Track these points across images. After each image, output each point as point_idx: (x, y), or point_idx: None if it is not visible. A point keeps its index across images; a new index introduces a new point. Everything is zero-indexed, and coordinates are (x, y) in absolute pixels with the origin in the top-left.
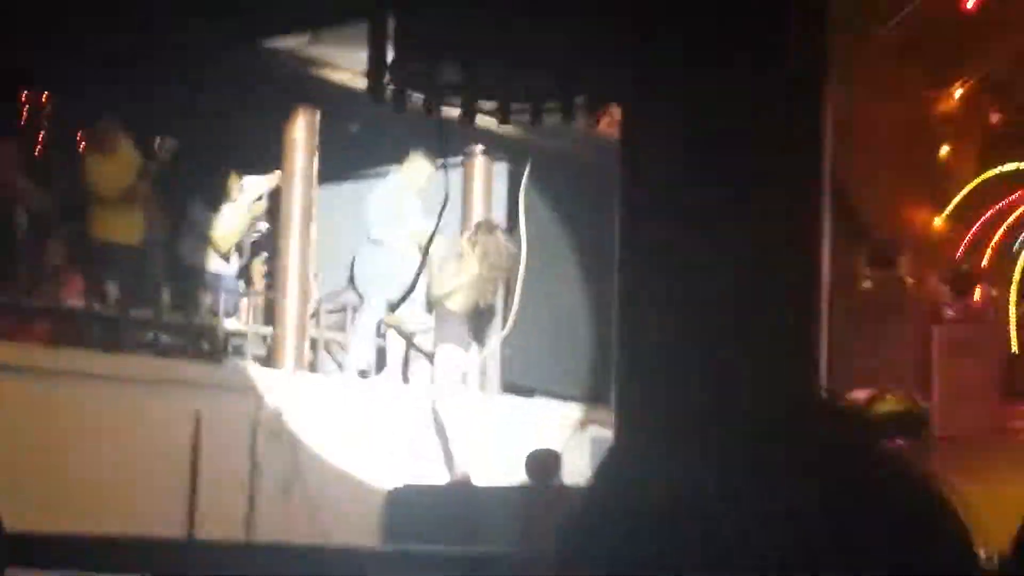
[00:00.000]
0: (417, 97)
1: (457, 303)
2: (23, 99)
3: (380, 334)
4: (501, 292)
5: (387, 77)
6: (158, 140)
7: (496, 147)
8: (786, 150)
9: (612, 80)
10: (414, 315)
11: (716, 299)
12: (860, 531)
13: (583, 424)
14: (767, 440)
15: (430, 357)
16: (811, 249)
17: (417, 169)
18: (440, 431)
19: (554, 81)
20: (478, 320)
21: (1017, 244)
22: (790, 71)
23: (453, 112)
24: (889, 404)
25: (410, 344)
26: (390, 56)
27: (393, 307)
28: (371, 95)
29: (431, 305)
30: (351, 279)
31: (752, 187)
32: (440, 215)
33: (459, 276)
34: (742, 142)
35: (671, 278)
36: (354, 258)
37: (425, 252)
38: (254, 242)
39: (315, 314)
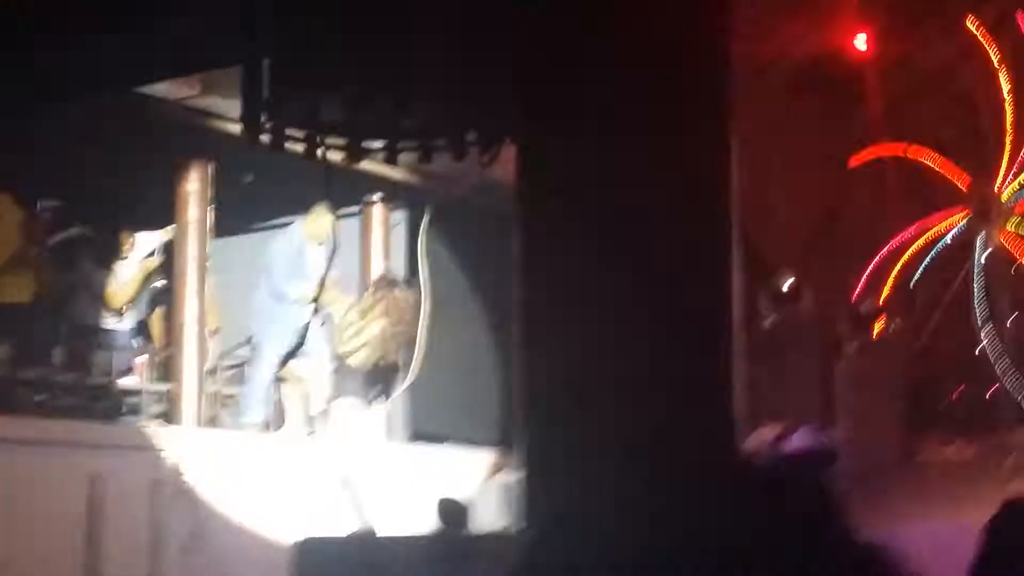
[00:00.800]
0: (298, 138)
1: (358, 359)
2: None
3: (276, 388)
4: (405, 342)
5: (264, 118)
6: (39, 202)
7: (394, 195)
8: (691, 184)
9: (504, 115)
10: (312, 368)
11: (622, 339)
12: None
13: (493, 470)
14: (682, 490)
15: (327, 411)
16: (720, 285)
17: (320, 220)
18: (343, 483)
19: (443, 117)
20: (380, 374)
21: (915, 277)
22: (693, 103)
23: (337, 156)
24: (797, 440)
25: (308, 398)
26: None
27: (283, 361)
28: (248, 137)
29: (334, 360)
30: (250, 333)
31: (657, 223)
32: (328, 264)
33: (361, 335)
34: (645, 177)
35: (572, 320)
36: (254, 312)
37: (314, 303)
38: (152, 298)
39: (213, 370)
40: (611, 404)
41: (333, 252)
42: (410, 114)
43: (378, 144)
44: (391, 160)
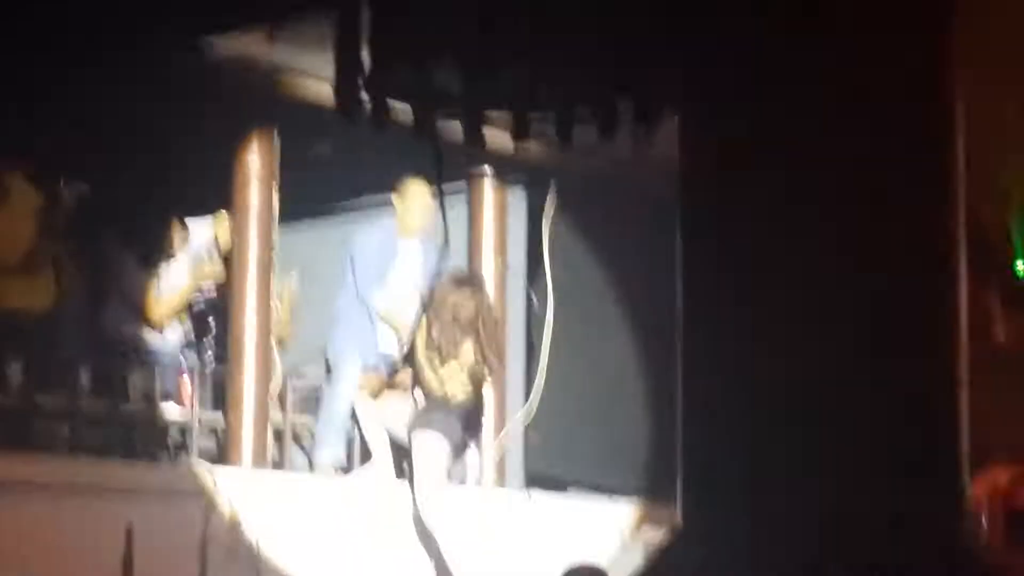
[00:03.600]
0: (404, 110)
1: (452, 390)
2: None
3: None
4: (519, 359)
5: (362, 86)
6: (63, 183)
7: (510, 167)
8: (904, 158)
9: (667, 81)
10: (399, 395)
11: (818, 364)
12: None
13: (635, 526)
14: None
15: (419, 448)
16: (942, 286)
17: (413, 203)
18: (432, 539)
19: (590, 82)
20: (475, 404)
21: None
22: (902, 61)
23: (455, 130)
24: None
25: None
26: (367, 59)
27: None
28: (342, 110)
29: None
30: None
31: (859, 213)
32: (438, 263)
33: (447, 363)
34: (844, 155)
35: (753, 337)
36: (332, 320)
37: (421, 312)
38: (202, 305)
39: (279, 395)
40: (803, 451)
41: (444, 247)
42: (547, 78)
43: (505, 115)
44: (521, 134)
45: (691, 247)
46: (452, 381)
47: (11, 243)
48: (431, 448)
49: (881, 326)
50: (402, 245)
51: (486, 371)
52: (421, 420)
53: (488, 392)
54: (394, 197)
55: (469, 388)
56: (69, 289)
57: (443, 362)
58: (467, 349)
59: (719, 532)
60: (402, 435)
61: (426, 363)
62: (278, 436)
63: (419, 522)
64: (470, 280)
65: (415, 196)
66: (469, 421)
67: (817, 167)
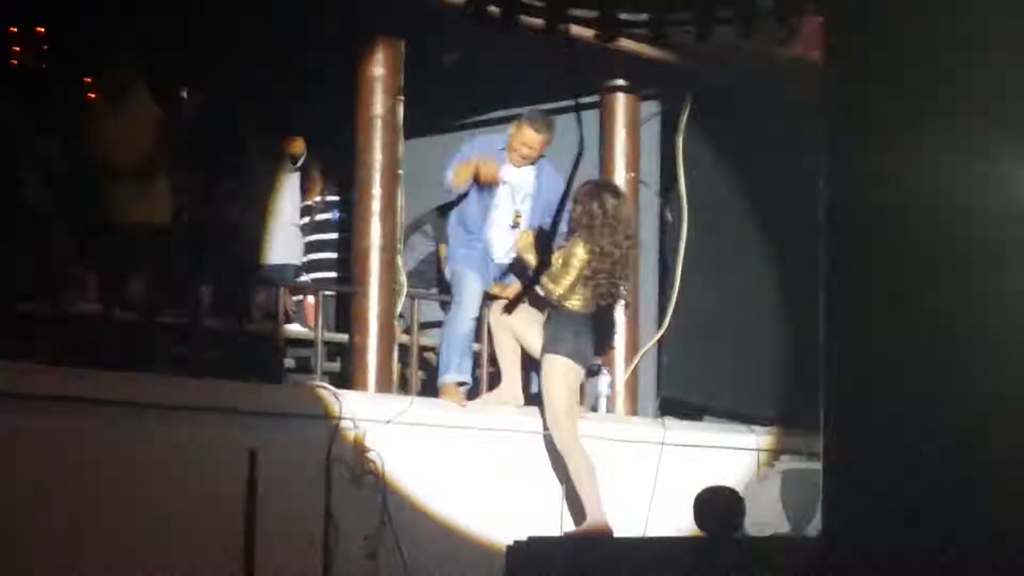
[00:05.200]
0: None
1: (576, 303)
2: (14, 37)
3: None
4: (652, 277)
5: None
6: (185, 92)
7: (644, 79)
8: None
9: None
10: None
11: (976, 289)
12: None
13: (771, 455)
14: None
15: (546, 371)
16: None
17: (519, 137)
18: (568, 468)
19: None
20: (606, 320)
21: None
22: None
23: (585, 32)
24: None
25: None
26: None
27: (508, 305)
28: (471, 13)
29: (541, 299)
30: (448, 261)
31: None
32: (573, 173)
33: (570, 266)
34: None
35: (904, 257)
36: (452, 236)
37: (554, 225)
38: (328, 219)
39: (403, 315)
40: (951, 381)
41: (579, 156)
42: None
43: (640, 16)
44: (659, 35)
45: (836, 157)
46: (584, 295)
47: (129, 146)
48: (562, 373)
49: None
50: (510, 172)
51: (622, 290)
52: (552, 342)
53: (620, 314)
54: (512, 128)
55: (600, 303)
56: (188, 202)
57: (577, 276)
58: (603, 253)
59: (861, 463)
60: (535, 352)
61: (562, 275)
62: (403, 358)
63: (551, 448)
64: (620, 191)
65: (522, 128)
66: (600, 341)
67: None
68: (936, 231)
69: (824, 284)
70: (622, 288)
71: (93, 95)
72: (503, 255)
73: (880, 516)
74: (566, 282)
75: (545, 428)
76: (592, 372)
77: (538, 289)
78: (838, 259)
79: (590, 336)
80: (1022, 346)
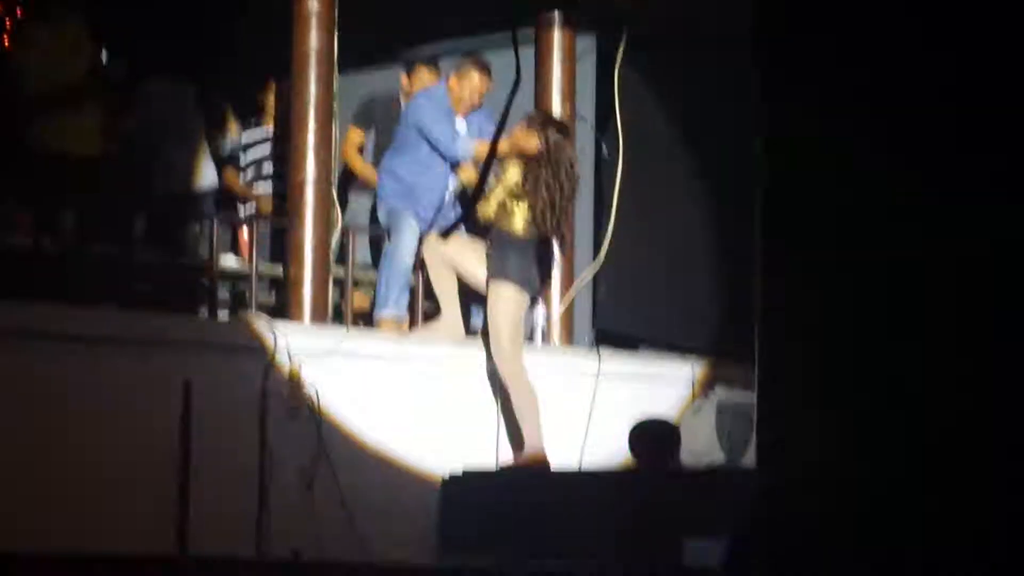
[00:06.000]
0: None
1: (517, 224)
2: None
3: (415, 270)
4: (587, 210)
5: None
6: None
7: (579, 12)
8: None
9: None
10: (460, 245)
11: (907, 215)
12: None
13: (706, 386)
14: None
15: (481, 299)
16: None
17: (468, 86)
18: (510, 398)
19: None
20: (540, 250)
21: None
22: None
23: None
24: None
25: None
26: None
27: (444, 234)
28: None
29: (479, 228)
30: (380, 200)
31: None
32: (508, 104)
33: (511, 191)
34: None
35: (837, 179)
36: (394, 172)
37: (490, 154)
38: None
39: (340, 247)
40: (887, 309)
41: (515, 86)
42: None
43: None
44: None
45: (771, 92)
46: (520, 216)
47: (59, 67)
48: (508, 300)
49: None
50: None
51: (561, 227)
52: (498, 268)
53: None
54: (451, 78)
55: (539, 231)
56: (121, 135)
57: (519, 201)
58: (547, 187)
59: (796, 393)
60: (476, 282)
61: (506, 200)
62: (339, 290)
63: (489, 380)
64: (566, 127)
65: (471, 77)
66: (543, 267)
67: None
68: None
69: (758, 220)
70: (561, 225)
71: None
72: (441, 198)
73: (813, 448)
74: (496, 201)
75: (487, 359)
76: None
77: (476, 214)
78: (770, 193)
79: (535, 264)
80: None
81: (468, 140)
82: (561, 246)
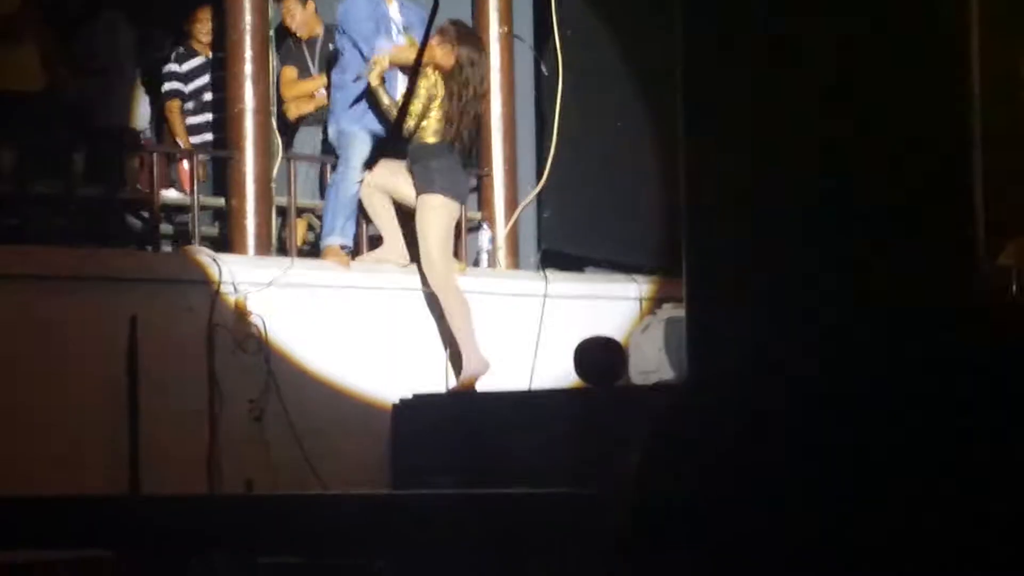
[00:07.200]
0: None
1: (429, 134)
2: None
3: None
4: (529, 132)
5: None
6: None
7: None
8: None
9: None
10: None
11: (820, 136)
12: None
13: (653, 304)
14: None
15: (424, 227)
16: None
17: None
18: (454, 321)
19: None
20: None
21: None
22: None
23: None
24: None
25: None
26: None
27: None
28: None
29: (404, 142)
30: (331, 117)
31: None
32: (429, 26)
33: (422, 91)
34: None
35: (752, 100)
36: (333, 88)
37: (414, 72)
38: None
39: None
40: (806, 214)
41: (435, 9)
42: None
43: None
44: None
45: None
46: (433, 123)
47: None
48: (436, 209)
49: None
50: (389, 9)
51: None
52: (423, 181)
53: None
54: None
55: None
56: (59, 71)
57: (430, 111)
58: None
59: (723, 314)
60: (410, 203)
61: (421, 111)
62: (283, 220)
63: (435, 305)
64: (480, 44)
65: None
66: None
67: None
68: None
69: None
70: (463, 134)
71: None
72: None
73: (744, 364)
74: (414, 112)
75: (423, 281)
76: (472, 227)
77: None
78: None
79: (459, 171)
80: None
81: (388, 42)
82: (466, 156)
